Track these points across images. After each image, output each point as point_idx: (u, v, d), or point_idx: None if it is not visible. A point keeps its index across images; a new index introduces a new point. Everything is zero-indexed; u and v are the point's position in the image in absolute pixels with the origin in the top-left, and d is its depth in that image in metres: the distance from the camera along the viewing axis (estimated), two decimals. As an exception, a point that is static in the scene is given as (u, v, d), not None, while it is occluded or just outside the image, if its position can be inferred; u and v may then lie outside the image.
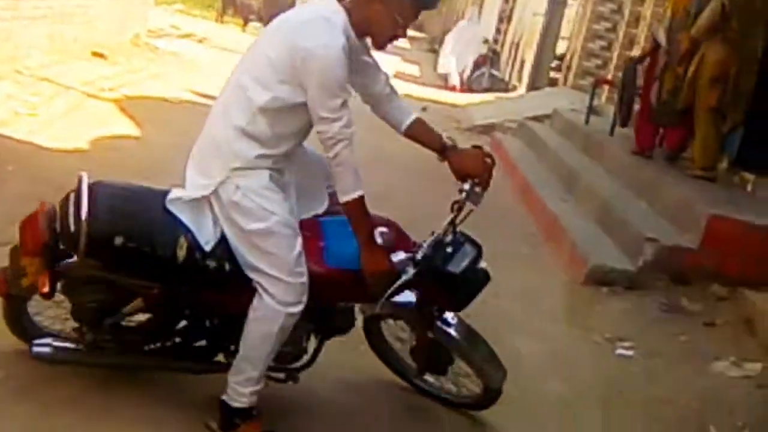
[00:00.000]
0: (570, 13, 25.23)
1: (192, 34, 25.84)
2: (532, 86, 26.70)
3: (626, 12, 19.86)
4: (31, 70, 14.21)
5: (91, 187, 5.18)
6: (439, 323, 5.87)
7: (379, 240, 5.18)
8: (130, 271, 5.30)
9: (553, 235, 11.25)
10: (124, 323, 5.55)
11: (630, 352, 7.82)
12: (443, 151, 5.58)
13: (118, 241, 5.08)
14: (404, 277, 5.25)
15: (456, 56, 31.72)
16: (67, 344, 5.49)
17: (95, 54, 17.85)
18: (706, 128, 11.60)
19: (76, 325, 5.47)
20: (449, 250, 5.45)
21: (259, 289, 5.20)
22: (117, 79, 15.95)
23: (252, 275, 5.21)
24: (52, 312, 5.74)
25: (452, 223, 5.48)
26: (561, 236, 10.96)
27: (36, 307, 5.65)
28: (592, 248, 10.15)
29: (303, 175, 5.53)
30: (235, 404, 5.38)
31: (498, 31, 37.02)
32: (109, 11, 19.39)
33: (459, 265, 5.45)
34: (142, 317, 5.64)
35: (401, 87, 22.15)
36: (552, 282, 9.60)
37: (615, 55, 19.94)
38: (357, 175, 5.11)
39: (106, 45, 18.43)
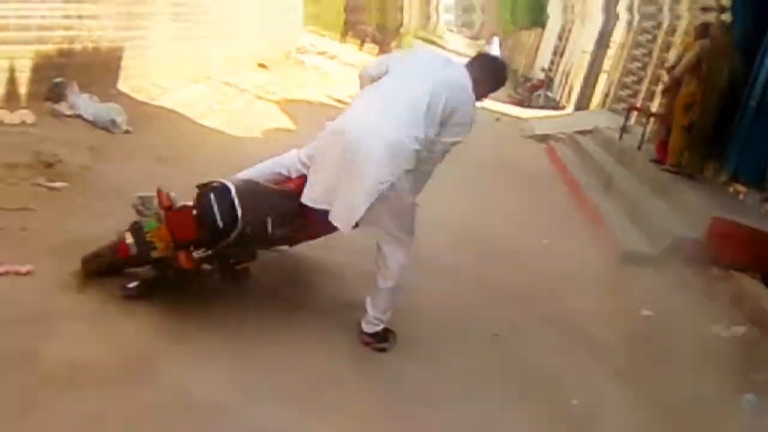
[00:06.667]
0: (611, 53, 25.15)
1: (325, 51, 26.11)
2: (578, 107, 26.62)
3: (654, 56, 19.75)
4: (216, 77, 14.63)
5: (238, 193, 5.44)
6: None
7: None
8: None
9: (595, 223, 11.36)
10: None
11: (651, 313, 7.95)
12: None
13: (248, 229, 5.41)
14: None
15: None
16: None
17: (260, 65, 18.22)
18: (676, 140, 12.40)
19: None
20: None
21: (398, 251, 5.82)
22: (277, 86, 16.29)
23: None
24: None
25: None
26: (601, 224, 11.11)
27: None
28: (624, 235, 10.34)
29: None
30: (380, 328, 5.98)
31: (552, 62, 36.90)
32: (269, 32, 19.73)
33: None
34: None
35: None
36: (594, 258, 9.69)
37: (644, 88, 19.92)
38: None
39: (267, 58, 18.77)
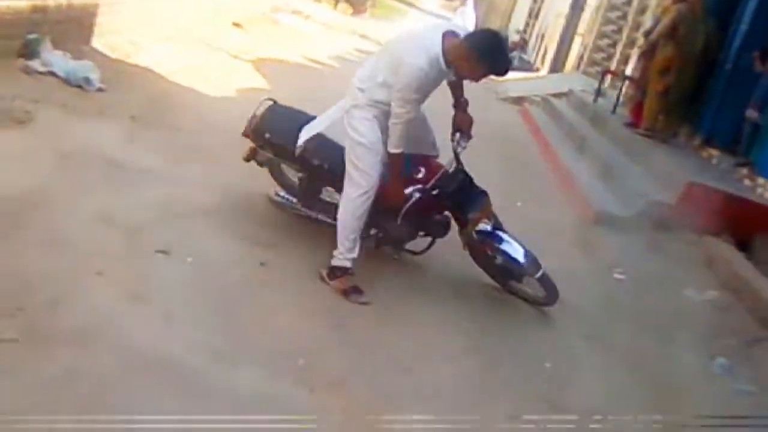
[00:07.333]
0: (585, 15, 25.10)
1: (300, 11, 25.80)
2: (553, 69, 26.58)
3: (629, 19, 19.76)
4: (191, 35, 14.40)
5: (269, 107, 6.87)
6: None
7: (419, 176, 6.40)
8: (280, 155, 6.79)
9: (568, 186, 11.35)
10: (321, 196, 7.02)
11: (623, 276, 7.98)
12: (456, 103, 6.42)
13: (267, 135, 6.66)
14: (411, 200, 6.33)
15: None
16: (291, 199, 7.06)
17: (235, 24, 17.98)
18: (651, 104, 12.51)
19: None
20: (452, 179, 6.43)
21: (345, 183, 6.09)
22: (251, 45, 16.08)
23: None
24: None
25: (456, 159, 6.44)
26: (574, 186, 11.10)
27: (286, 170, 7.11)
28: (597, 198, 10.33)
29: (418, 129, 6.28)
30: (336, 263, 6.14)
31: (527, 24, 36.87)
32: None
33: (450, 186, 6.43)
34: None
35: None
36: (567, 220, 9.62)
37: (618, 51, 19.91)
38: (402, 141, 5.93)
39: (242, 17, 18.53)
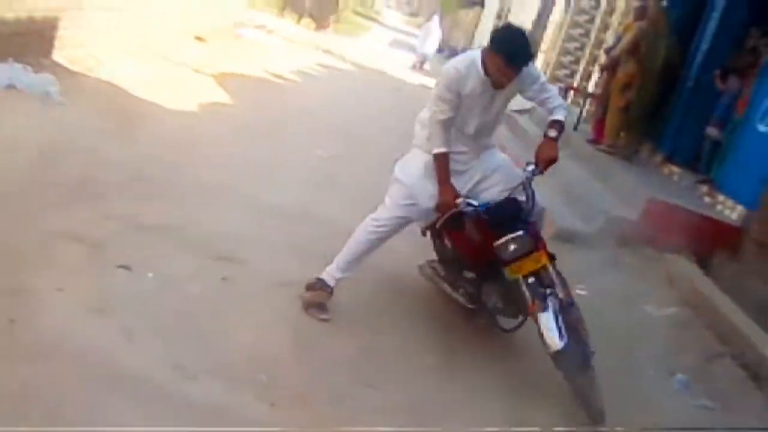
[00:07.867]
0: (548, 32, 25.26)
1: (263, 26, 25.81)
2: (516, 85, 26.66)
3: (592, 36, 19.92)
4: (153, 49, 14.39)
5: None
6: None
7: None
8: None
9: (530, 201, 11.36)
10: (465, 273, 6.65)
11: (584, 292, 7.84)
12: (543, 136, 6.33)
13: None
14: (460, 207, 5.93)
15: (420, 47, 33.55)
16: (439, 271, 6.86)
17: (197, 38, 17.97)
18: (613, 120, 12.64)
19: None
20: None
21: None
22: (214, 59, 16.07)
23: None
24: None
25: (523, 188, 6.17)
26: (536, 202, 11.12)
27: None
28: (559, 214, 10.26)
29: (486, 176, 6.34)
30: (323, 276, 6.12)
31: (491, 40, 37.06)
32: (208, 6, 19.49)
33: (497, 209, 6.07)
34: None
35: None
36: None
37: (581, 67, 20.04)
38: (440, 140, 5.91)
39: (205, 32, 18.52)
